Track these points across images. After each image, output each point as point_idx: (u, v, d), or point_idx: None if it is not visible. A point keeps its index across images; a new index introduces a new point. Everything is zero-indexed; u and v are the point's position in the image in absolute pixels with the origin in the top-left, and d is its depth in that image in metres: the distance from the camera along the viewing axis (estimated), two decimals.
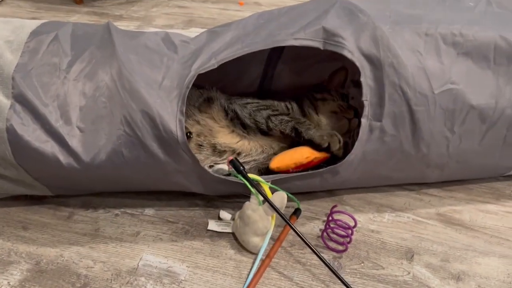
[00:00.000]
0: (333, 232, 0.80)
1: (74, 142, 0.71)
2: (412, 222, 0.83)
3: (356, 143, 0.74)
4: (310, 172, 0.79)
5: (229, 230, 0.82)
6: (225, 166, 0.78)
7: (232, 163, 0.76)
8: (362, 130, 0.73)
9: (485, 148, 0.78)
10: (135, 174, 0.75)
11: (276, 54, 0.97)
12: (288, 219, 0.73)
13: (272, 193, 0.76)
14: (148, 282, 0.74)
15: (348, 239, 0.78)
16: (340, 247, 0.79)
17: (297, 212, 0.83)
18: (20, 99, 0.72)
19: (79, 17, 1.68)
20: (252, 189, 0.75)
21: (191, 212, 0.86)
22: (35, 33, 0.79)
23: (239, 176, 0.75)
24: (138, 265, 0.77)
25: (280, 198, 0.74)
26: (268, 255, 0.76)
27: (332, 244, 0.79)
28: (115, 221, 0.85)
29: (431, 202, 0.87)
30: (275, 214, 0.76)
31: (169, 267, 0.77)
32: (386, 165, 0.80)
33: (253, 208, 0.75)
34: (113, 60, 0.74)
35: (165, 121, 0.69)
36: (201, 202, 0.88)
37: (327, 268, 0.71)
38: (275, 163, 0.81)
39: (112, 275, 0.75)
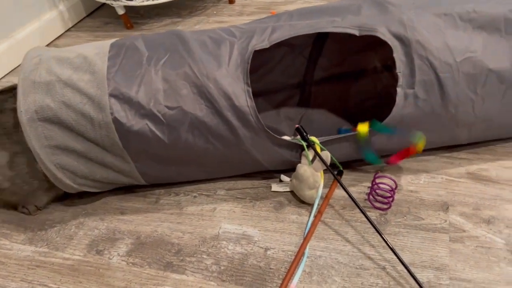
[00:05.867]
0: (378, 194, 0.95)
1: (167, 117, 0.87)
2: (445, 182, 0.97)
3: (394, 108, 0.88)
4: (352, 133, 0.93)
5: (288, 189, 1.00)
6: (287, 138, 0.94)
7: (297, 130, 0.94)
8: (398, 97, 0.87)
9: (507, 106, 0.91)
10: (215, 142, 0.91)
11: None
12: (334, 174, 0.91)
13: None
14: (229, 244, 0.91)
15: (391, 199, 0.93)
16: (385, 206, 0.93)
17: (340, 173, 1.01)
18: (116, 93, 0.86)
19: None
20: (306, 151, 0.93)
21: (255, 190, 1.03)
22: (113, 44, 0.96)
23: (298, 139, 0.93)
24: (219, 233, 0.94)
25: (325, 155, 0.92)
26: (319, 211, 0.93)
27: (377, 204, 0.94)
28: (194, 201, 1.03)
29: (460, 164, 1.00)
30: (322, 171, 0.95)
31: (244, 232, 0.93)
32: (421, 127, 0.92)
33: (305, 168, 0.93)
34: (188, 52, 0.90)
35: (236, 94, 0.87)
36: (261, 181, 1.04)
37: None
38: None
39: (199, 241, 0.93)
